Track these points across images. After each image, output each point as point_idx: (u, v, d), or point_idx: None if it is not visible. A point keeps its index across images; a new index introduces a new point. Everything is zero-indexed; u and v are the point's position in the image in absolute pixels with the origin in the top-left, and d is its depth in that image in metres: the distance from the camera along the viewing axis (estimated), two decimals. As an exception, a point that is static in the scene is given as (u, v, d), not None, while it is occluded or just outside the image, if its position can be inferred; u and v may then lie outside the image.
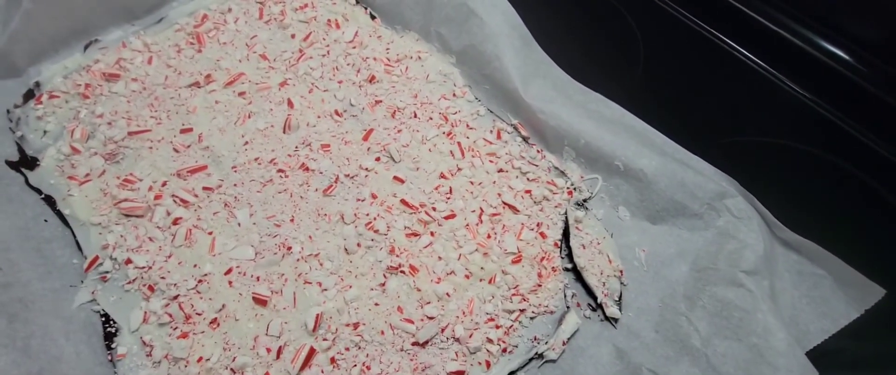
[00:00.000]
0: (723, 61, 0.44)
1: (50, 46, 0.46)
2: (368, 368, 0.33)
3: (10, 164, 0.40)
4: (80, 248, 0.37)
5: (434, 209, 0.39)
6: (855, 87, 0.38)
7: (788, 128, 0.41)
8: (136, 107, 0.44)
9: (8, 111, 0.43)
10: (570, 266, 0.38)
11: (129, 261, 0.36)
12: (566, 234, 0.39)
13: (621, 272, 0.37)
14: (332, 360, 0.33)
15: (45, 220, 0.38)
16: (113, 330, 0.34)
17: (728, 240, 0.36)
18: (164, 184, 0.40)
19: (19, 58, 0.45)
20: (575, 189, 0.41)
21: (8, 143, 0.41)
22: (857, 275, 0.34)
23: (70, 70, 0.46)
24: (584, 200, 0.41)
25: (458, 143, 0.43)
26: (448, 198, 0.40)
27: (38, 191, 0.39)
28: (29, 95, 0.44)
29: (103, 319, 0.34)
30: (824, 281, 0.36)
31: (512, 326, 0.36)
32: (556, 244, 0.39)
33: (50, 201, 0.39)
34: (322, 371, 0.33)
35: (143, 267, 0.36)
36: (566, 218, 0.40)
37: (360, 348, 0.34)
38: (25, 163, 0.40)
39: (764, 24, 0.43)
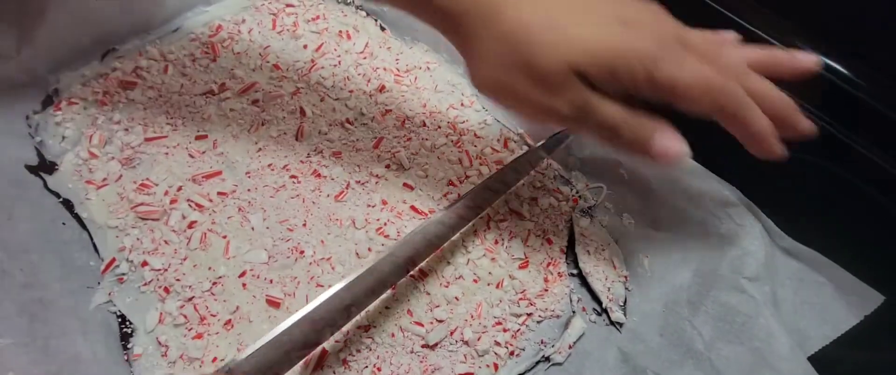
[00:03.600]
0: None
1: (69, 54, 0.47)
2: (379, 369, 0.34)
3: (30, 169, 0.41)
4: (97, 250, 0.38)
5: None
6: (853, 99, 0.39)
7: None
8: (153, 113, 0.45)
9: (27, 117, 0.44)
10: (575, 271, 0.39)
11: (145, 264, 0.37)
12: (571, 241, 0.40)
13: (626, 277, 0.38)
14: (344, 361, 0.34)
15: (64, 223, 0.39)
16: (129, 331, 0.35)
17: (730, 247, 0.37)
18: (179, 189, 0.40)
19: (39, 65, 0.46)
20: (580, 197, 0.42)
21: (27, 148, 0.42)
22: (857, 282, 0.35)
23: (88, 77, 0.47)
24: (590, 208, 0.42)
25: (466, 151, 0.44)
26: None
27: (57, 195, 0.40)
28: (48, 102, 0.45)
29: (119, 320, 0.35)
30: (825, 288, 0.36)
31: (519, 330, 0.36)
32: (561, 250, 0.40)
33: (68, 204, 0.40)
34: (334, 372, 0.34)
35: (159, 270, 0.37)
36: (572, 225, 0.41)
37: (371, 349, 0.35)
38: (44, 167, 0.41)
39: (762, 37, 0.44)
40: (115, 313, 0.35)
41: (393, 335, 0.35)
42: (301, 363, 0.33)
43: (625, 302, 0.38)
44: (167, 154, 0.42)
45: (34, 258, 0.36)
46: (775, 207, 0.38)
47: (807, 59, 0.30)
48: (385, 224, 0.40)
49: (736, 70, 0.28)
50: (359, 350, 0.35)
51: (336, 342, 0.34)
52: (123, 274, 0.37)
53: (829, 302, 0.36)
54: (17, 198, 0.39)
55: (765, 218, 0.38)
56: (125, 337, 0.34)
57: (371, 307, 0.36)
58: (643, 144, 0.27)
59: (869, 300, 0.35)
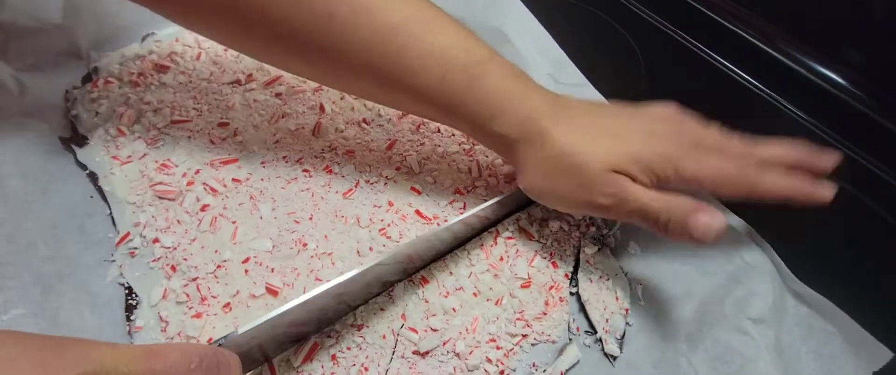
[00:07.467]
0: (721, 83, 0.44)
1: (111, 32, 0.50)
2: (366, 369, 0.34)
3: (63, 140, 0.43)
4: (115, 224, 0.39)
5: (445, 222, 0.40)
6: (853, 112, 0.38)
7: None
8: (181, 98, 0.47)
9: (67, 91, 0.46)
10: (574, 291, 0.39)
11: (156, 240, 0.38)
12: (577, 266, 0.40)
13: (627, 310, 0.37)
14: (333, 357, 0.34)
15: (91, 197, 0.41)
16: (134, 303, 0.36)
17: (737, 286, 0.36)
18: (197, 172, 0.42)
19: (82, 39, 0.48)
20: (591, 223, 0.42)
21: (63, 121, 0.45)
22: (867, 336, 0.33)
23: (127, 58, 0.49)
24: (602, 236, 0.41)
25: (477, 161, 0.44)
26: (461, 214, 0.41)
27: (84, 167, 0.42)
28: (87, 78, 0.48)
29: (127, 292, 0.36)
30: (834, 339, 0.35)
31: (512, 349, 0.36)
32: (566, 275, 0.39)
33: (93, 177, 0.42)
34: (322, 367, 0.34)
35: (169, 248, 0.38)
36: (578, 250, 0.40)
37: (361, 349, 0.35)
38: (76, 140, 0.44)
39: (762, 49, 0.43)
40: (124, 284, 0.37)
41: (384, 337, 0.35)
42: (291, 352, 0.34)
43: (623, 335, 0.37)
44: (190, 137, 0.44)
45: (59, 232, 0.38)
46: (789, 247, 0.37)
47: (826, 159, 0.34)
48: (388, 225, 0.40)
49: (744, 153, 0.34)
50: (349, 348, 0.35)
51: (328, 337, 0.35)
52: (135, 249, 0.38)
53: (838, 354, 0.34)
54: (54, 174, 0.41)
55: (777, 258, 0.37)
56: (130, 309, 0.36)
57: (365, 307, 0.36)
58: (682, 223, 0.30)
59: (879, 355, 0.33)
